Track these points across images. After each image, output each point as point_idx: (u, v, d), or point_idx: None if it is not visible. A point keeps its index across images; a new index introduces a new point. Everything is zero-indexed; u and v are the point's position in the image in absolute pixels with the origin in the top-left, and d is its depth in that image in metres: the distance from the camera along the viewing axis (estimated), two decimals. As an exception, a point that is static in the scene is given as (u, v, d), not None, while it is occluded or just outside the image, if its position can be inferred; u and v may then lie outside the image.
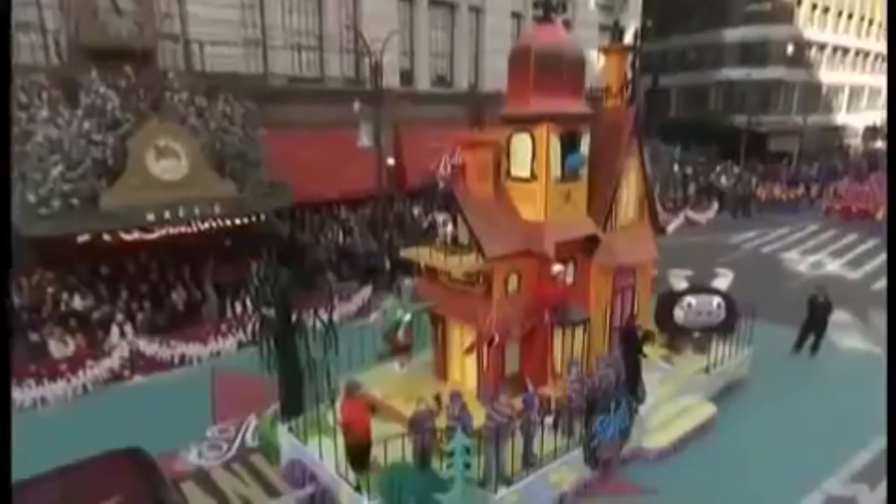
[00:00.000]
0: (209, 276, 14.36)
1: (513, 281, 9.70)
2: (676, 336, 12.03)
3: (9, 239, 6.90)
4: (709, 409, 10.99)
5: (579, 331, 10.22)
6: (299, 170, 16.78)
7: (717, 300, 11.89)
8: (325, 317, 8.80)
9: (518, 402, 8.50)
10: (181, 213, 12.47)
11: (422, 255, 9.78)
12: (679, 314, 11.82)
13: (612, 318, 10.91)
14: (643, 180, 11.10)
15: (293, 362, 9.03)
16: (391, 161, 19.87)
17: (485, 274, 9.44)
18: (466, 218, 9.27)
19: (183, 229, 12.82)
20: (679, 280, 12.18)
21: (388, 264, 17.46)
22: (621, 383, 9.40)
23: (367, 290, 16.53)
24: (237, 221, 13.54)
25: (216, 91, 13.85)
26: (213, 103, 13.64)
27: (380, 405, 9.21)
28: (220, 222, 13.19)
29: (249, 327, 12.90)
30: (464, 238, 9.50)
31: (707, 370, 11.55)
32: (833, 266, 21.38)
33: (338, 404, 8.33)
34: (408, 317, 9.65)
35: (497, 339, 9.13)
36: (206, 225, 13.00)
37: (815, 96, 45.37)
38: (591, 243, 10.29)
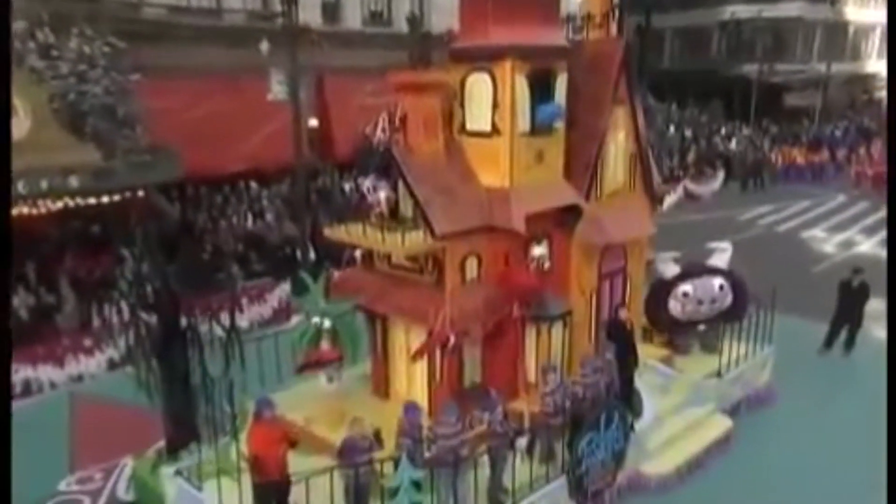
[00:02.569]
0: (65, 274, 13.88)
1: (471, 265, 9.69)
2: (676, 333, 12.25)
3: (10, 238, 6.98)
4: (723, 424, 11.21)
5: (558, 327, 10.23)
6: (190, 132, 16.46)
7: (718, 281, 11.98)
8: (227, 322, 8.74)
9: (479, 423, 8.52)
10: (21, 187, 11.86)
11: (352, 233, 9.59)
12: (675, 307, 11.94)
13: (598, 310, 10.99)
14: (635, 136, 11.14)
15: (183, 383, 8.94)
16: (314, 122, 19.52)
17: (435, 257, 9.42)
18: (410, 184, 9.16)
19: (25, 210, 12.23)
20: (667, 265, 12.19)
21: (312, 254, 17.18)
22: (613, 393, 9.51)
23: (284, 288, 16.21)
24: (104, 200, 13.06)
25: (68, 22, 13.28)
26: (64, 39, 13.09)
27: (299, 432, 8.90)
28: (81, 200, 12.73)
29: (123, 340, 12.24)
30: (407, 210, 9.46)
31: (719, 374, 11.72)
32: (867, 245, 22.02)
33: (243, 434, 8.15)
34: (327, 323, 9.52)
35: (453, 340, 9.01)
36: (60, 204, 12.52)
37: (841, 39, 46.74)
38: (570, 216, 10.34)
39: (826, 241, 22.46)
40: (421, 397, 9.91)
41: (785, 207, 26.53)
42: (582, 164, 10.42)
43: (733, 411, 11.68)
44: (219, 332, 8.79)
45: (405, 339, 10.20)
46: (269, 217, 19.27)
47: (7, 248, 6.75)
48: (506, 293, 9.70)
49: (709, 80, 41.46)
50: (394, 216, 9.48)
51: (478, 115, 9.70)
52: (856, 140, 35.57)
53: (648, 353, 11.37)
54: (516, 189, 9.61)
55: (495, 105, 9.48)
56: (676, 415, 10.88)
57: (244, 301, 15.33)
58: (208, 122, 18.04)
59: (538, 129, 9.76)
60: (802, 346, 13.69)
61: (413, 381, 10.20)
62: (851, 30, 47.37)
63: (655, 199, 11.85)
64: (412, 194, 9.33)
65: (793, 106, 42.00)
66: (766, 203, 27.23)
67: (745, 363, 12.14)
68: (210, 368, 8.85)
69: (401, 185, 9.45)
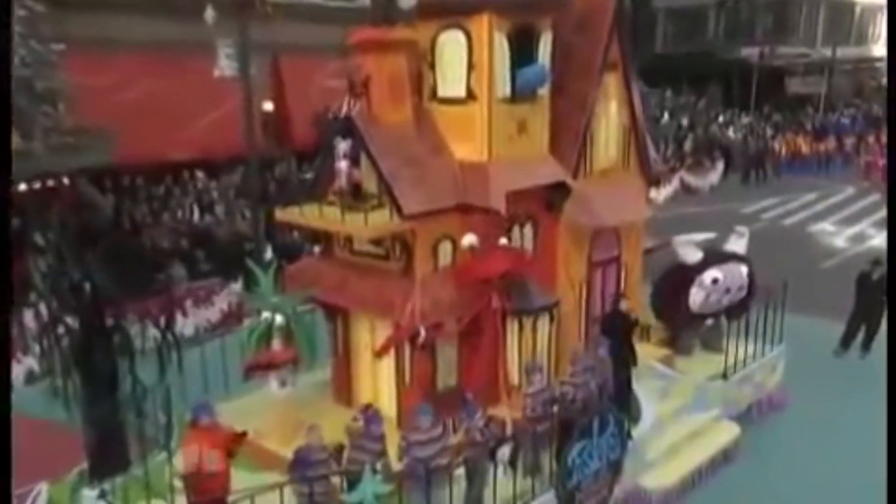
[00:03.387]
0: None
1: (444, 250, 9.55)
2: (686, 328, 12.26)
3: (8, 237, 7.13)
4: (730, 432, 11.17)
5: (543, 321, 10.02)
6: (125, 113, 16.09)
7: (744, 269, 12.20)
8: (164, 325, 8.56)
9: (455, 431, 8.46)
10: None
11: (306, 215, 9.36)
12: (697, 296, 11.93)
13: (589, 302, 10.98)
14: (629, 107, 11.11)
15: (109, 394, 8.82)
16: (268, 106, 19.11)
17: (403, 240, 9.27)
18: (373, 156, 8.98)
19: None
20: (689, 249, 12.10)
21: (268, 252, 16.78)
22: (607, 395, 9.36)
23: (235, 289, 15.81)
24: (21, 188, 12.75)
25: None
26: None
27: (245, 445, 8.45)
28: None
29: (38, 348, 12.18)
30: (370, 187, 9.28)
31: (724, 375, 11.66)
32: (880, 239, 22.12)
33: (179, 450, 7.96)
34: (280, 319, 9.27)
35: (423, 335, 8.83)
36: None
37: (847, 21, 47.43)
38: (556, 195, 10.28)
39: (836, 235, 22.78)
40: (388, 403, 9.71)
41: (790, 200, 26.87)
42: (569, 137, 10.36)
43: (741, 417, 11.63)
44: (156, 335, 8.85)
45: (370, 337, 10.02)
46: (219, 211, 18.83)
47: (7, 248, 6.81)
48: (484, 282, 9.48)
49: (705, 64, 41.94)
50: (356, 194, 9.28)
51: (451, 80, 9.59)
52: (864, 128, 36.20)
53: (646, 352, 11.28)
54: (495, 163, 9.48)
55: (471, 67, 9.34)
56: (678, 421, 10.77)
57: (188, 304, 14.95)
58: (146, 102, 17.66)
59: (519, 95, 9.66)
60: (815, 346, 13.75)
61: (379, 385, 10.01)
62: (858, 11, 48.15)
63: (652, 180, 11.87)
64: (376, 168, 9.14)
65: (796, 93, 42.51)
66: (769, 196, 27.55)
67: (754, 364, 12.08)
68: (143, 376, 8.75)
69: (364, 158, 9.26)
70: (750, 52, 39.53)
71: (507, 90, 9.52)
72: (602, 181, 10.78)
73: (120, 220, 16.45)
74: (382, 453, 7.89)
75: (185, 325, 14.58)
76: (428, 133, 9.63)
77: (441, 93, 9.72)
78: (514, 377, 10.01)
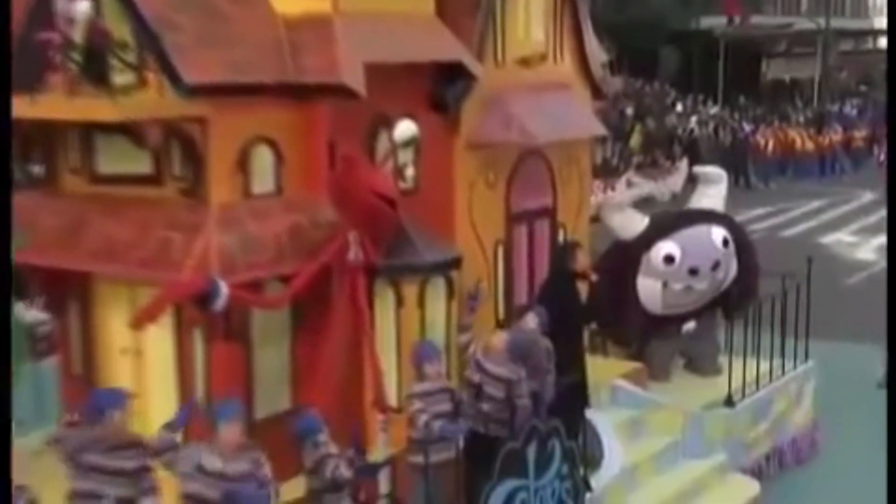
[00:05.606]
0: None
1: (261, 161, 9.07)
2: (645, 344, 12.28)
3: (9, 240, 7.20)
4: (744, 490, 11.21)
5: (436, 288, 9.71)
6: None
7: (719, 232, 11.99)
8: None
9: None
10: None
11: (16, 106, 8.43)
12: (650, 287, 11.83)
13: (509, 273, 10.95)
14: None
15: None
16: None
17: (185, 141, 8.79)
18: None
19: None
20: (626, 216, 12.21)
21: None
22: (545, 407, 9.13)
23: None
24: None
25: None
26: None
27: None
28: None
29: None
30: (127, 51, 8.61)
31: (729, 401, 11.58)
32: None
33: None
34: None
35: (224, 293, 8.03)
36: None
37: None
38: (450, 88, 10.12)
39: (859, 247, 24.14)
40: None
41: (788, 209, 28.61)
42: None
43: (756, 468, 11.86)
44: None
45: (128, 333, 9.20)
46: None
47: (7, 248, 7.07)
48: (334, 216, 9.14)
49: (655, 36, 43.26)
50: (95, 59, 8.52)
51: None
52: (877, 119, 38.05)
53: (603, 370, 11.38)
54: (346, 18, 9.20)
55: None
56: (661, 470, 10.81)
57: None
58: None
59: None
60: (850, 376, 14.45)
61: (146, 407, 9.09)
62: None
63: (597, 90, 12.14)
64: (137, 18, 8.47)
65: (777, 79, 43.96)
66: (758, 205, 29.18)
67: (769, 386, 12.13)
68: None
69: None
70: (714, 23, 41.30)
71: None
72: (522, 75, 10.79)
73: None
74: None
75: None
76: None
77: None
78: (394, 382, 9.57)
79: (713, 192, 12.86)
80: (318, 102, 9.19)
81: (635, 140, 32.65)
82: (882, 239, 24.58)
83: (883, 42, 53.03)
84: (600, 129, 12.24)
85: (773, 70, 45.95)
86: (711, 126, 35.18)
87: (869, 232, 25.62)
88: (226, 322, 8.62)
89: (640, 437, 10.85)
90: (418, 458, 8.39)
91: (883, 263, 22.03)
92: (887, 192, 19.24)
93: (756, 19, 43.62)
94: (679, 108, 37.68)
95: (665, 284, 11.77)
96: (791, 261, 20.68)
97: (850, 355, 14.92)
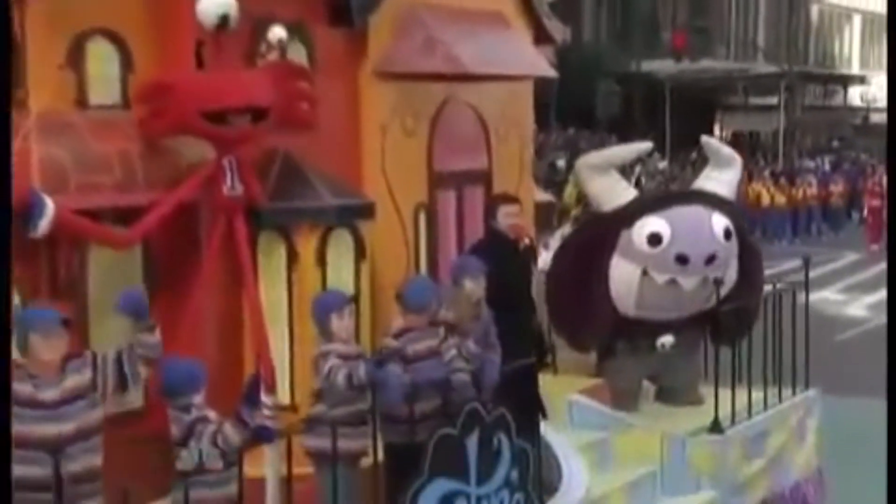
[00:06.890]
0: None
1: (102, 60, 7.92)
2: (616, 344, 11.05)
3: (8, 239, 6.49)
4: None
5: (341, 240, 8.63)
6: None
7: (720, 220, 10.62)
8: None
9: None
10: None
11: None
12: (627, 273, 10.57)
13: (434, 244, 10.12)
14: None
15: None
16: None
17: None
18: None
19: None
20: (607, 180, 11.09)
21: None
22: (488, 394, 8.19)
23: None
24: None
25: None
26: None
27: None
28: None
29: None
30: None
31: (715, 427, 10.37)
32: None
33: None
34: None
35: (48, 215, 6.88)
36: None
37: (801, 21, 50.53)
38: None
39: (848, 304, 24.98)
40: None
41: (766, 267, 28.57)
42: None
43: None
44: None
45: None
46: None
47: (7, 248, 6.60)
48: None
49: (589, 80, 42.39)
50: None
51: None
52: (855, 174, 38.42)
53: (553, 385, 10.30)
54: None
55: None
56: None
57: None
58: None
59: None
60: (854, 426, 14.79)
61: None
62: (815, 11, 50.70)
63: (543, 33, 11.56)
64: None
65: (737, 132, 44.25)
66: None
67: (765, 413, 11.06)
68: None
69: None
70: (658, 66, 41.36)
71: None
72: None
73: None
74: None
75: None
76: None
77: None
78: (285, 364, 8.39)
79: (725, 178, 11.26)
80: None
81: (569, 193, 32.00)
82: (874, 297, 25.22)
83: (855, 97, 53.51)
84: (549, 70, 11.36)
85: (730, 123, 45.90)
86: (660, 181, 34.83)
87: (858, 290, 26.71)
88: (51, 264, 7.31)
89: (607, 466, 9.76)
90: (319, 442, 7.09)
91: (876, 321, 22.43)
92: (888, 198, 18.86)
93: (706, 63, 43.42)
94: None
95: (645, 272, 10.27)
96: (779, 321, 21.37)
97: (852, 408, 15.00)
